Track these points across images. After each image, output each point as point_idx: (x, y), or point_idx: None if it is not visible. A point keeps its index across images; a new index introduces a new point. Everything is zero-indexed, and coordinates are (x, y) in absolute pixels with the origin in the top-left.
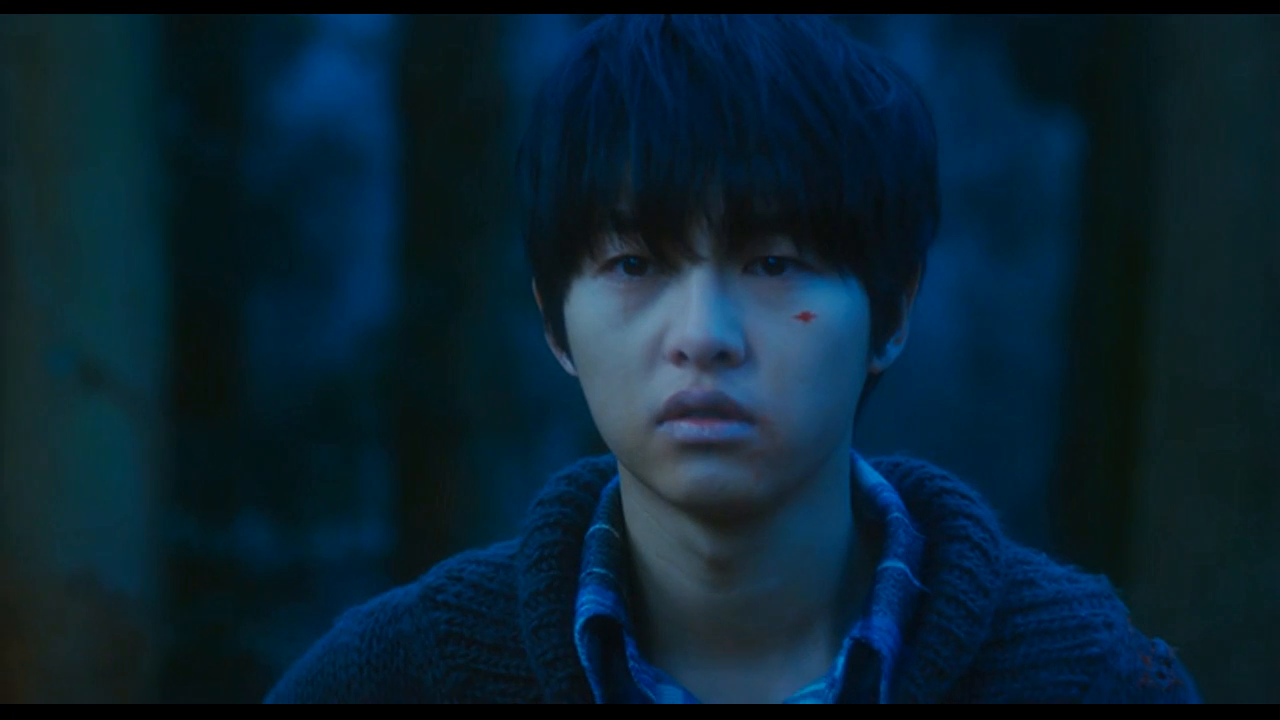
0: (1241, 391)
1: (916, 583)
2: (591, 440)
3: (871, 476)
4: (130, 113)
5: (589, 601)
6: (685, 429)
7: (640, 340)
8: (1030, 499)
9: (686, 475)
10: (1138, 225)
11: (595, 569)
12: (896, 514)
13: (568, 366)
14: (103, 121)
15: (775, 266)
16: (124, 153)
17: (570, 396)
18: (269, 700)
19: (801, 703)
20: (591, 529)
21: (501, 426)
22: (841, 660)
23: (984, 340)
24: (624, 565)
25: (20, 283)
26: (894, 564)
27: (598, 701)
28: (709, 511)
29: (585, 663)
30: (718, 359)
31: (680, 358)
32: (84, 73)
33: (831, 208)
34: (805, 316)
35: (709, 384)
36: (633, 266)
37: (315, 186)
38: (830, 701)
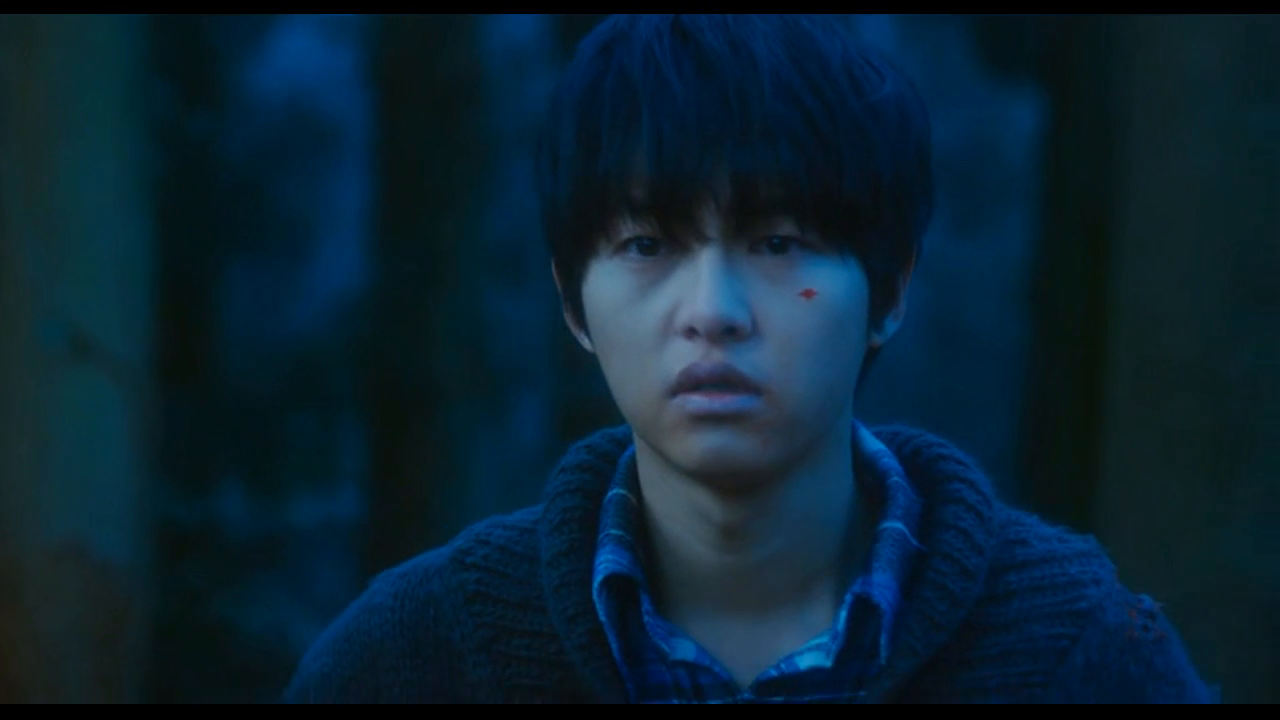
0: (1203, 365)
1: (915, 542)
2: (561, 409)
3: (872, 444)
4: (118, 90)
5: (606, 561)
6: (696, 402)
7: (653, 316)
8: (994, 470)
9: (698, 445)
10: (1101, 200)
11: (612, 530)
12: (896, 479)
13: (585, 344)
14: (91, 99)
15: (779, 246)
16: (112, 129)
17: (540, 366)
18: (308, 659)
19: (807, 654)
20: (609, 494)
21: (475, 396)
22: (843, 614)
23: (948, 312)
24: (639, 528)
25: (11, 256)
26: (893, 524)
27: (615, 653)
28: (719, 480)
29: (603, 618)
30: (726, 333)
31: (691, 332)
32: (73, 52)
33: (831, 191)
34: (808, 293)
35: (718, 357)
36: (645, 247)
37: (293, 160)
38: (834, 652)
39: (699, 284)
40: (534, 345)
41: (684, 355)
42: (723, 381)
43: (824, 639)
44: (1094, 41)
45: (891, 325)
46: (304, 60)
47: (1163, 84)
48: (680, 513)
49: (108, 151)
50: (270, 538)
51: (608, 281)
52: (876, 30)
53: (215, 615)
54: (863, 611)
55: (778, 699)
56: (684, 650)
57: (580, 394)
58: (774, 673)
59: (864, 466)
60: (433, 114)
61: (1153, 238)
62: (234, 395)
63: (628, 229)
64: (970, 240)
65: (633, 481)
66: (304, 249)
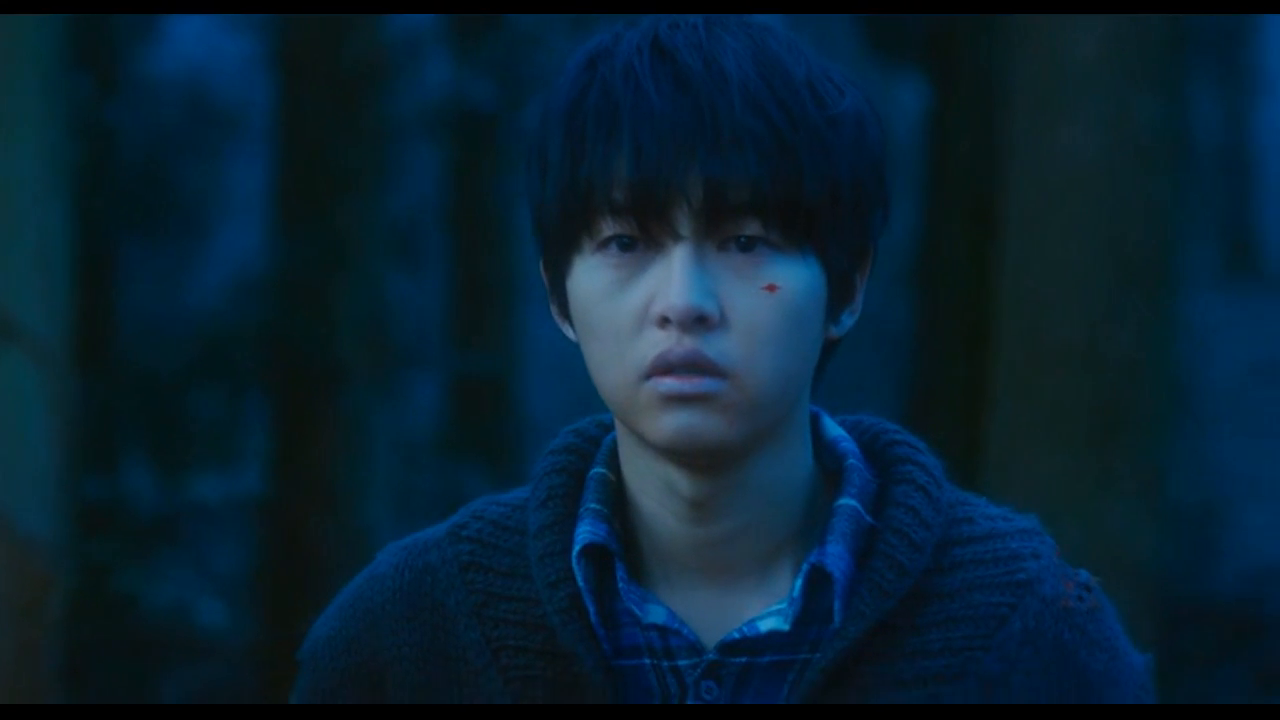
0: (1083, 344)
1: (868, 518)
2: (453, 389)
3: (834, 430)
4: (37, 85)
5: (584, 532)
6: (668, 384)
7: (630, 307)
8: None
9: (670, 424)
10: (984, 184)
11: (591, 505)
12: (852, 460)
13: (569, 334)
14: (13, 93)
15: (746, 244)
16: (33, 121)
17: (435, 347)
18: (318, 624)
19: (767, 619)
20: (591, 472)
21: (374, 376)
22: (799, 582)
23: None
24: (617, 503)
25: None
26: (848, 501)
27: (593, 616)
28: (688, 456)
29: (581, 583)
30: (697, 323)
31: (665, 321)
32: None
33: (793, 195)
34: (771, 287)
35: (689, 344)
36: (625, 245)
37: (198, 145)
38: (792, 617)
39: (672, 278)
40: (429, 327)
41: (658, 342)
42: (693, 366)
43: (783, 605)
44: (978, 30)
45: (848, 319)
46: (207, 47)
47: (1045, 74)
48: (653, 488)
49: (29, 142)
50: (175, 515)
51: (590, 275)
52: (764, 16)
53: (121, 589)
54: (818, 579)
55: (740, 659)
56: (655, 614)
57: (471, 374)
58: (736, 635)
59: (825, 450)
60: (334, 100)
61: (1035, 222)
62: (139, 375)
63: (609, 228)
64: None
65: (613, 461)
66: (208, 232)
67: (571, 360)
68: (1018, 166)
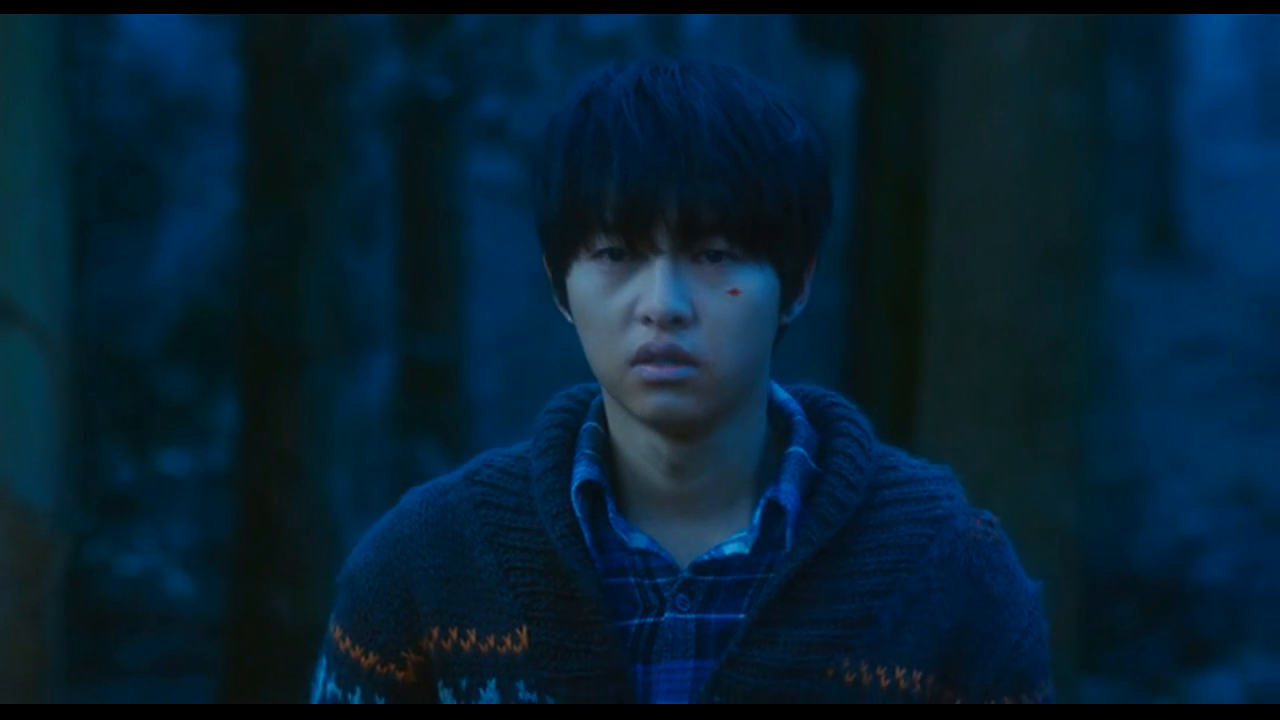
0: (1011, 325)
1: (813, 464)
2: (404, 368)
3: (783, 395)
4: (39, 81)
5: (581, 472)
6: (650, 371)
7: (619, 307)
8: None
9: (651, 403)
10: (913, 168)
11: (586, 451)
12: (799, 418)
13: (569, 318)
14: (16, 90)
15: (714, 257)
16: (36, 116)
17: (389, 329)
18: (354, 554)
19: (731, 544)
20: (584, 426)
21: (335, 355)
22: (758, 514)
23: None
24: (607, 453)
25: None
26: (797, 449)
27: (587, 542)
28: (667, 428)
29: (578, 514)
30: (673, 321)
31: (647, 320)
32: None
33: (753, 214)
34: (734, 292)
35: (667, 338)
36: (615, 255)
37: (166, 134)
38: (751, 542)
39: (654, 284)
40: (385, 307)
41: (641, 336)
42: (670, 356)
43: (744, 533)
44: (907, 27)
45: (798, 308)
46: (175, 40)
47: (973, 70)
48: (639, 451)
49: (32, 136)
50: (144, 488)
51: (586, 279)
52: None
53: (91, 560)
54: (773, 512)
55: (708, 577)
56: (639, 541)
57: (421, 354)
58: (706, 557)
59: (776, 411)
60: (298, 91)
61: (963, 209)
62: (111, 354)
63: (601, 242)
64: None
65: (601, 417)
66: (176, 217)
67: (511, 343)
68: (946, 156)
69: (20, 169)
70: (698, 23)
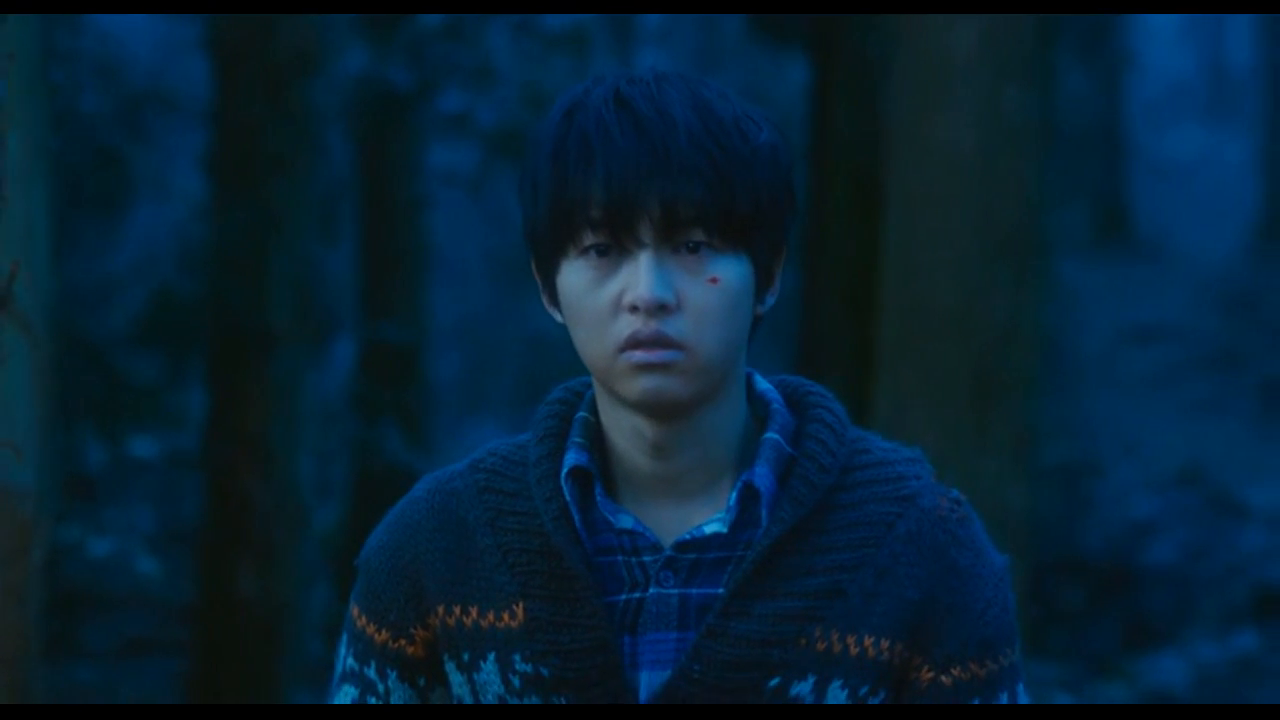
0: (962, 312)
1: (788, 448)
2: (365, 354)
3: (763, 384)
4: (24, 78)
5: (571, 458)
6: (638, 356)
7: (607, 298)
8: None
9: (639, 386)
10: (866, 159)
11: (576, 439)
12: (777, 406)
13: (558, 317)
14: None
15: (694, 248)
16: (21, 113)
17: (352, 315)
18: (371, 538)
19: (711, 524)
20: (576, 416)
21: (302, 341)
22: (734, 496)
23: None
24: (596, 440)
25: None
26: (772, 435)
27: (577, 524)
28: (653, 409)
29: (568, 498)
30: (659, 309)
31: (634, 309)
32: None
33: (728, 208)
34: (714, 280)
35: (653, 325)
36: (601, 251)
37: (142, 124)
38: (729, 522)
39: (639, 276)
40: (347, 295)
41: (629, 324)
42: (656, 342)
43: (722, 514)
44: (858, 19)
45: (770, 299)
46: (152, 31)
47: (925, 65)
48: (625, 435)
49: (20, 134)
50: (115, 471)
51: (575, 275)
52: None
53: (61, 542)
54: (749, 493)
55: (690, 555)
56: (625, 521)
57: (383, 340)
58: (688, 536)
59: (756, 400)
60: (266, 84)
61: (916, 199)
62: (83, 340)
63: (588, 239)
64: None
65: (593, 408)
66: (148, 207)
67: (470, 329)
68: (899, 148)
69: (8, 164)
70: (653, 14)
